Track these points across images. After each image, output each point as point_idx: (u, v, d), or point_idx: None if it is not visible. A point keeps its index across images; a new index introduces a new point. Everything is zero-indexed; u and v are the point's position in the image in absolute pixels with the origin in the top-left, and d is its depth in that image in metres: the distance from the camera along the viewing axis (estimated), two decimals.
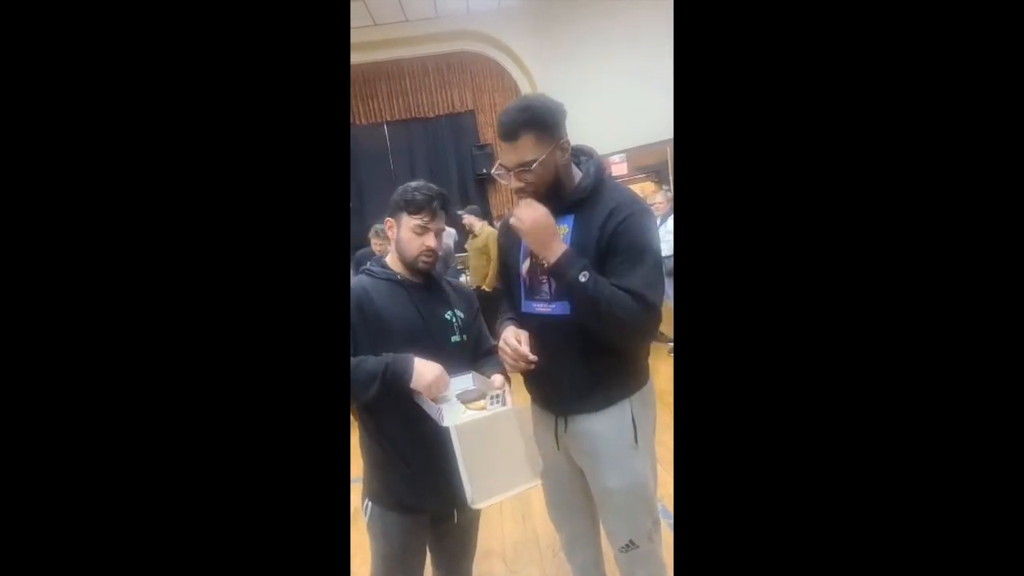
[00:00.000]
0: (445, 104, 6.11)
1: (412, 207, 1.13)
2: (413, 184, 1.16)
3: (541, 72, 5.65)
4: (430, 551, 1.29)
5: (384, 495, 1.17)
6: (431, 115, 6.11)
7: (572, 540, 1.32)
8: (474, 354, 1.22)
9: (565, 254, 1.02)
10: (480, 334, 1.26)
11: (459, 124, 6.18)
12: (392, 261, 1.18)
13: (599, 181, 1.11)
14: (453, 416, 0.97)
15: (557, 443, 1.18)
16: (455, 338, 1.16)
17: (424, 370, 1.02)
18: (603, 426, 1.12)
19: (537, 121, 1.02)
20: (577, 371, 1.09)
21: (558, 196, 1.07)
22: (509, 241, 1.21)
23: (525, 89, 5.76)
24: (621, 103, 5.36)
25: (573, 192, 1.10)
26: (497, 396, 1.01)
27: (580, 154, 1.17)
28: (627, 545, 1.16)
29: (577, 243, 1.06)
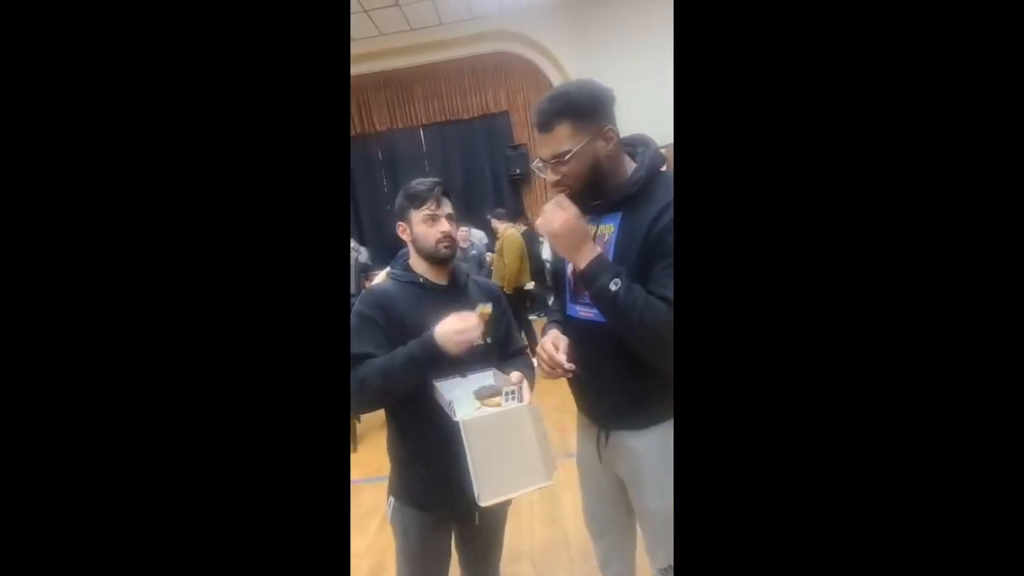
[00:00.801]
0: (479, 105, 6.15)
1: (417, 200, 1.13)
2: (410, 183, 1.17)
3: (575, 69, 5.60)
4: (456, 551, 1.28)
5: (403, 492, 1.18)
6: (465, 117, 6.16)
7: (608, 553, 1.25)
8: (500, 356, 1.19)
9: (596, 259, 0.93)
10: (507, 336, 1.23)
11: (493, 125, 6.21)
12: (415, 263, 1.18)
13: (654, 173, 0.97)
14: (465, 412, 0.94)
15: (600, 456, 1.11)
16: (477, 341, 1.14)
17: (445, 331, 1.00)
18: (645, 445, 1.02)
19: (573, 109, 0.93)
20: (618, 384, 1.01)
21: (603, 191, 0.96)
22: None
23: None
24: (657, 98, 5.24)
25: (622, 186, 0.97)
26: (513, 392, 0.98)
27: (637, 144, 1.03)
28: (666, 568, 1.08)
29: (622, 245, 0.95)
